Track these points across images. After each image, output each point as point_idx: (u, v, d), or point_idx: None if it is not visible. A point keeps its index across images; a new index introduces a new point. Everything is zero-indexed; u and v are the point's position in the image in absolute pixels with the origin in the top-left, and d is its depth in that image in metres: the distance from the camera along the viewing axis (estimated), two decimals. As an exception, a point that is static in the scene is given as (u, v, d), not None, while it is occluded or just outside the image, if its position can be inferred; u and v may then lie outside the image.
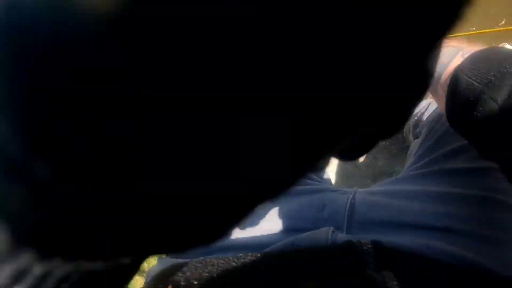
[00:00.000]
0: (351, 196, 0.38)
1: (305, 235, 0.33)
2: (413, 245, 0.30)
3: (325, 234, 0.32)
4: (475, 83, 0.27)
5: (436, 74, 0.33)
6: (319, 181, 0.51)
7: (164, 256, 0.38)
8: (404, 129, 1.01)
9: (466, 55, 0.32)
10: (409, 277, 0.24)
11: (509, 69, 0.26)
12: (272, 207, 0.39)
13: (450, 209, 0.33)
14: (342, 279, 0.24)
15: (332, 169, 1.25)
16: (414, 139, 0.83)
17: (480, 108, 0.26)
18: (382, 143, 1.13)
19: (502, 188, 0.34)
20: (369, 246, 0.27)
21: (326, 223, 0.35)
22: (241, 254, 0.29)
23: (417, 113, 0.82)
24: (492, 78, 0.26)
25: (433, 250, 0.30)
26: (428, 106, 0.77)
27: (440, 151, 0.42)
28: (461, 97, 0.29)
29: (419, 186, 0.38)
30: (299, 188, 0.41)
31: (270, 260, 0.27)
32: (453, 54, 0.33)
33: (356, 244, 0.27)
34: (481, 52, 0.31)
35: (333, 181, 1.27)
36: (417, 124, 0.81)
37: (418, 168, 0.42)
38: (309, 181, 0.47)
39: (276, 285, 0.25)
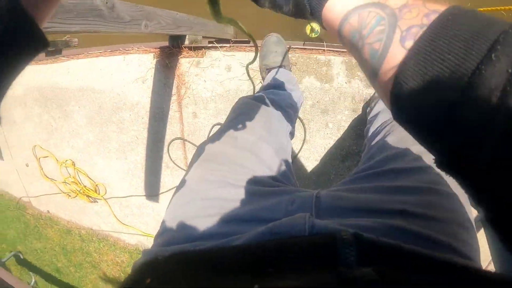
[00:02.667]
0: (315, 192, 0.42)
1: (283, 220, 0.34)
2: (380, 226, 0.34)
3: (302, 219, 0.33)
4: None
5: (364, 60, 0.24)
6: (285, 183, 0.53)
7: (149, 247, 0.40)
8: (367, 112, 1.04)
9: (409, 40, 0.20)
10: (390, 271, 0.23)
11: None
12: (244, 207, 0.42)
13: (403, 198, 0.39)
14: (320, 274, 0.24)
15: (303, 155, 1.27)
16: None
17: None
18: (349, 124, 1.16)
19: (439, 181, 0.41)
20: (350, 237, 0.27)
21: (296, 213, 0.38)
22: (221, 245, 0.30)
23: (371, 118, 0.84)
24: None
25: (398, 230, 0.34)
26: (378, 114, 0.79)
27: (384, 155, 0.50)
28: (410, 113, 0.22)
29: (373, 183, 0.44)
30: (269, 189, 0.45)
31: (254, 252, 0.27)
32: (386, 31, 0.22)
33: (337, 235, 0.27)
34: (435, 33, 0.19)
35: (304, 164, 1.30)
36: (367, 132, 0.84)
37: (366, 170, 0.49)
38: (278, 183, 0.50)
39: (257, 278, 0.24)
